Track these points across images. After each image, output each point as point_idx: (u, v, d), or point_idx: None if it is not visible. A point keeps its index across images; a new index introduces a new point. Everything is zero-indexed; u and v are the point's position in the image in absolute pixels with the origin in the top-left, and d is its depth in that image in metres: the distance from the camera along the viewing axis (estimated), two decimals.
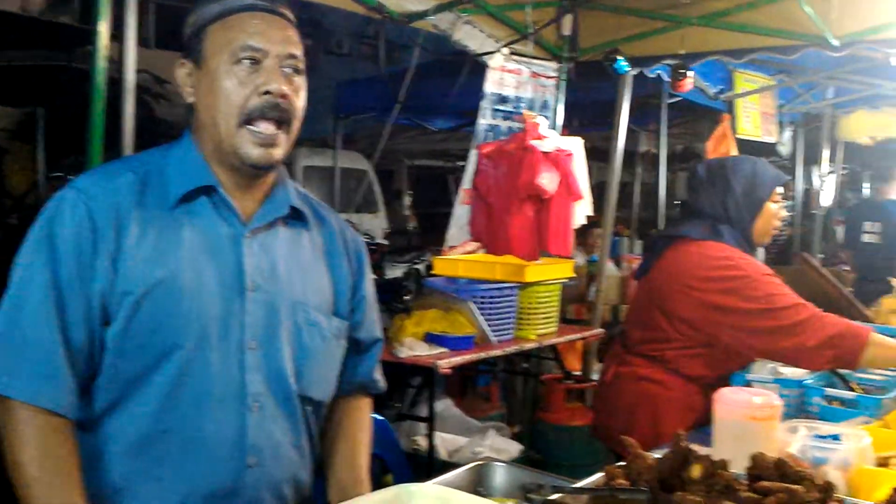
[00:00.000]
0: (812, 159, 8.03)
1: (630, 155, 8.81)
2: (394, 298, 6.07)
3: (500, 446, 4.20)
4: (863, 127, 7.16)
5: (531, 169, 3.62)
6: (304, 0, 3.73)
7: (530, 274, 4.08)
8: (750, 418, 2.05)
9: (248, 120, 1.47)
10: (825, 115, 7.33)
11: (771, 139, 6.61)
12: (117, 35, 3.04)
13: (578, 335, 4.60)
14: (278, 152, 1.50)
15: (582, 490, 1.45)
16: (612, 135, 4.83)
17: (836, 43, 3.90)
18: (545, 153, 3.67)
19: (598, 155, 6.54)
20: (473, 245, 4.14)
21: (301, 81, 1.53)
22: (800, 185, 8.22)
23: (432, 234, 7.66)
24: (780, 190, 2.72)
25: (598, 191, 5.08)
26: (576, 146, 4.07)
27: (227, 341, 1.47)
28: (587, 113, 7.19)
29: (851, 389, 2.66)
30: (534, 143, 3.71)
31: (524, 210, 3.71)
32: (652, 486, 1.35)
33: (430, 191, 11.32)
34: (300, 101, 1.53)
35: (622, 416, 2.72)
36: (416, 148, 11.83)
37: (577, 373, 4.92)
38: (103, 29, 2.94)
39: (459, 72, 4.70)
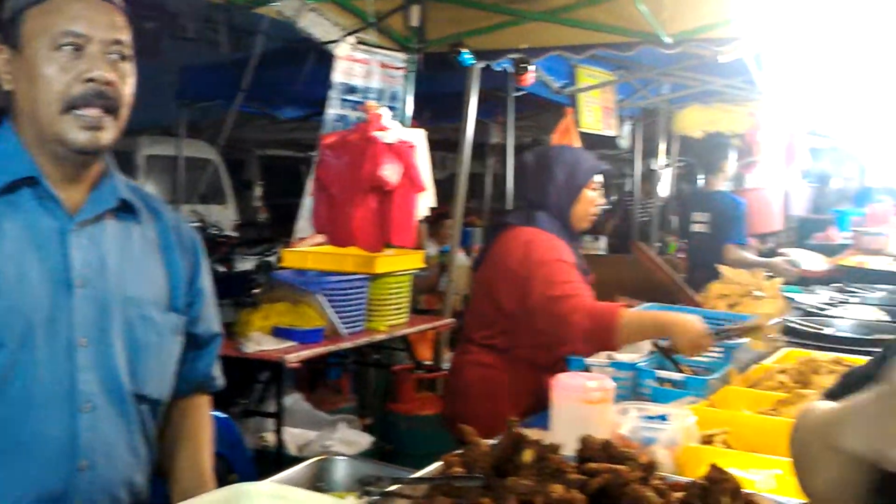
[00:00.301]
0: (650, 152, 8.44)
1: (481, 146, 8.97)
2: (242, 292, 5.93)
3: (350, 439, 4.19)
4: (696, 121, 7.59)
5: (374, 160, 3.62)
6: None
7: (380, 265, 4.08)
8: (584, 402, 2.13)
9: (70, 107, 1.40)
10: (661, 110, 7.71)
11: (611, 132, 6.90)
12: None
13: (429, 325, 4.65)
14: (105, 136, 1.44)
15: (419, 480, 1.46)
16: (461, 126, 4.89)
17: (668, 40, 4.10)
18: (388, 144, 3.67)
19: (449, 146, 6.61)
20: (322, 237, 4.10)
21: (129, 68, 1.47)
22: (638, 176, 8.61)
23: (284, 225, 7.52)
24: (598, 178, 2.88)
25: (450, 182, 5.14)
26: (418, 138, 4.10)
27: (54, 340, 1.40)
28: (438, 104, 7.25)
29: (681, 371, 2.82)
30: (376, 134, 3.71)
31: (367, 202, 3.71)
32: (486, 472, 1.38)
33: (282, 181, 11.08)
34: (128, 88, 1.47)
35: (465, 404, 2.78)
36: (267, 137, 11.58)
37: (429, 363, 4.97)
38: None
39: (308, 60, 4.63)
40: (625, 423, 2.10)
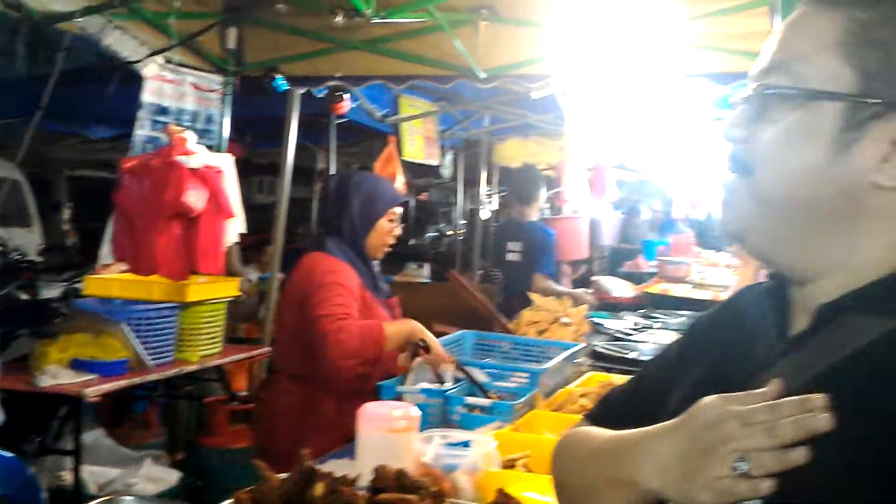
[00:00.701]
0: (473, 182, 8.66)
1: (308, 172, 8.89)
2: (44, 321, 5.53)
3: (156, 476, 3.99)
4: (514, 153, 7.87)
5: (177, 186, 3.48)
6: None
7: (192, 293, 3.93)
8: (389, 431, 2.13)
9: None
10: (483, 142, 7.93)
11: (434, 162, 7.03)
12: None
13: (244, 355, 4.51)
14: None
15: None
16: (282, 151, 4.83)
17: (482, 75, 4.23)
18: (192, 169, 3.55)
19: (275, 170, 6.49)
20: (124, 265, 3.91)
21: None
22: (461, 205, 8.81)
23: (95, 249, 7.13)
24: (397, 210, 2.93)
25: (274, 207, 5.04)
26: (226, 163, 4.00)
27: None
28: (262, 128, 7.14)
29: (489, 397, 2.89)
30: (180, 158, 3.58)
31: (171, 228, 3.56)
32: None
33: (94, 204, 10.47)
34: None
35: (273, 436, 2.72)
36: (78, 157, 10.97)
37: (244, 393, 4.82)
38: None
39: (115, 79, 4.43)
40: (428, 450, 2.12)
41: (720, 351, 1.00)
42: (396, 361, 2.85)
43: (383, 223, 2.89)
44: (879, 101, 0.82)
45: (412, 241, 16.58)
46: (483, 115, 7.30)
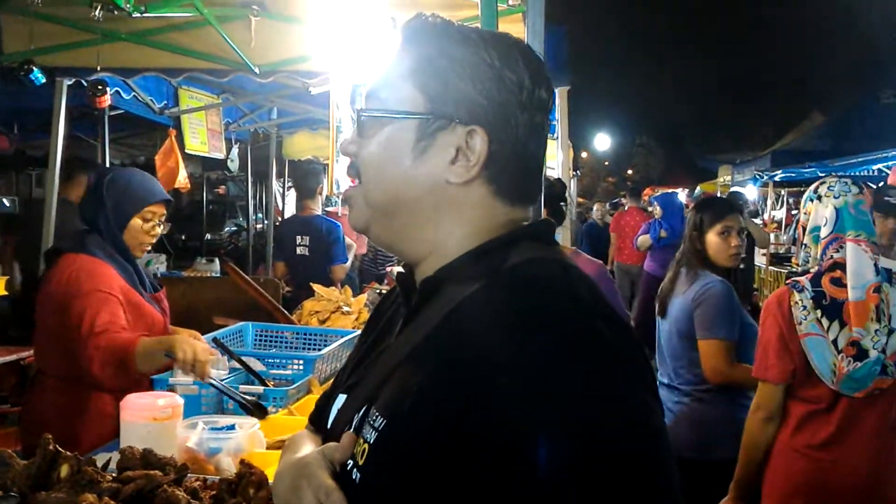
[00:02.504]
0: (264, 175, 8.62)
1: (83, 164, 8.49)
2: None
3: None
4: (303, 147, 7.92)
5: None
6: None
7: None
8: (152, 419, 2.20)
9: None
10: (272, 135, 7.93)
11: (219, 155, 6.95)
12: None
13: (13, 356, 4.34)
14: None
15: None
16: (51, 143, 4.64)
17: (257, 70, 4.28)
18: None
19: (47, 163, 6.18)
20: None
21: None
22: (254, 198, 8.75)
23: None
24: (155, 209, 2.89)
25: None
26: None
27: None
28: (34, 119, 6.78)
29: (264, 384, 2.99)
30: None
31: None
32: (22, 489, 1.40)
33: None
34: None
35: (38, 435, 2.68)
36: None
37: (5, 394, 4.62)
38: None
39: None
40: (192, 436, 2.19)
41: (380, 327, 1.19)
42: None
43: (137, 222, 2.83)
44: (442, 117, 1.05)
45: (209, 236, 16.20)
46: (271, 109, 7.30)
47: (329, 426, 1.13)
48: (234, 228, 17.07)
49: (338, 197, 5.81)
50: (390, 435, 0.95)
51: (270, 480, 1.47)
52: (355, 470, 0.97)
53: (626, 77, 44.33)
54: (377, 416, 0.97)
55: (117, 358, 2.59)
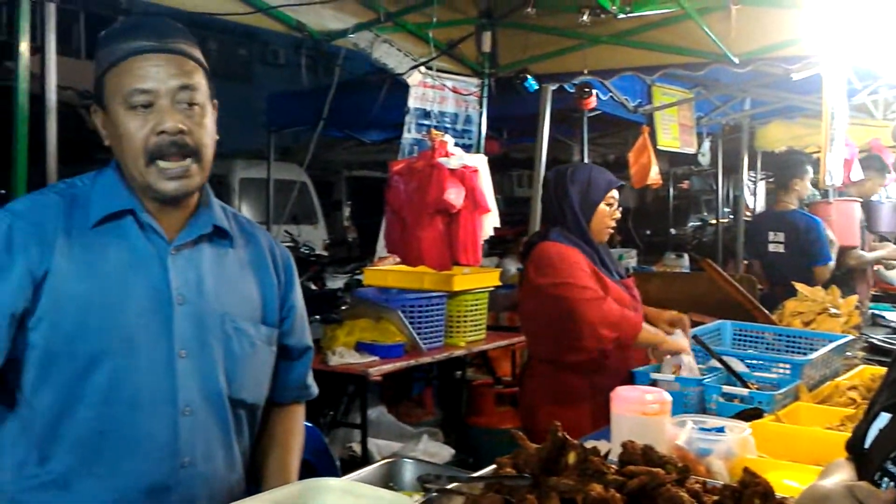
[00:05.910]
0: (733, 168, 8.35)
1: (563, 164, 9.03)
2: (331, 309, 6.18)
3: (432, 451, 4.34)
4: (779, 137, 7.49)
5: (439, 185, 3.87)
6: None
7: (458, 283, 4.25)
8: (642, 413, 2.23)
9: (153, 158, 1.56)
10: (743, 126, 7.63)
11: (690, 150, 6.89)
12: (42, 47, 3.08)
13: (506, 342, 4.78)
14: (192, 182, 1.60)
15: (474, 479, 1.60)
16: (536, 146, 5.03)
17: (736, 60, 4.14)
18: (452, 170, 3.90)
19: (531, 164, 6.72)
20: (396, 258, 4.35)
21: (200, 110, 1.60)
22: (721, 192, 8.53)
23: (372, 245, 7.79)
24: (614, 194, 3.04)
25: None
26: (481, 162, 4.29)
27: (155, 350, 1.57)
28: (518, 124, 7.39)
29: (747, 386, 2.87)
30: (441, 160, 3.95)
31: (434, 224, 3.95)
32: (534, 472, 1.51)
33: (369, 202, 11.43)
34: (202, 129, 1.60)
35: (532, 416, 2.92)
36: (354, 159, 11.91)
37: (507, 378, 5.09)
38: (24, 49, 2.97)
39: (385, 87, 4.89)
40: (681, 434, 2.18)
41: None
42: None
43: (603, 208, 3.02)
44: None
45: (673, 231, 16.25)
46: (743, 99, 7.04)
47: (868, 446, 1.02)
48: (699, 223, 16.84)
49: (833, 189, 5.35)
50: None
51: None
52: None
53: None
54: None
55: (619, 319, 2.81)
